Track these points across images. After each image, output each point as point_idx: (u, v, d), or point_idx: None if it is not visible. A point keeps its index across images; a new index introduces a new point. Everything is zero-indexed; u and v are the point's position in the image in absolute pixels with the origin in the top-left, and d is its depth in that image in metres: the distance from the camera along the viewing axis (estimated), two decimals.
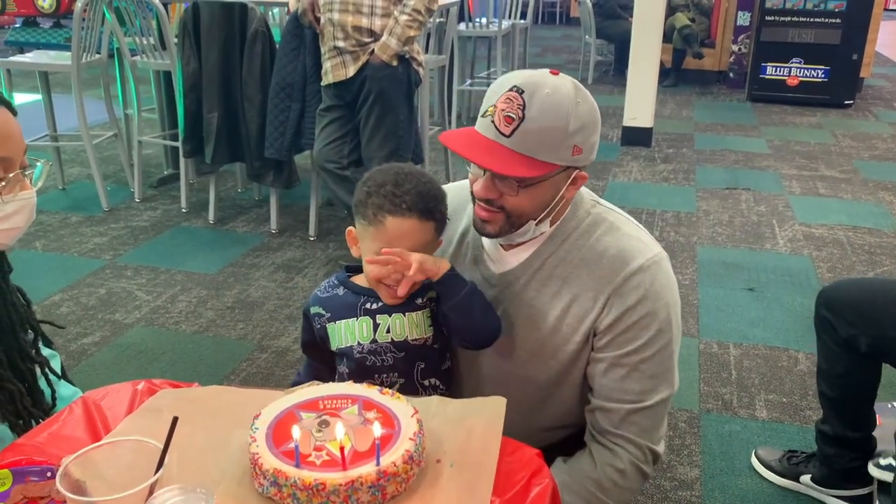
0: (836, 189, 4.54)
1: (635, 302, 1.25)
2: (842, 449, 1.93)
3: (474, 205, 1.28)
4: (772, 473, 2.09)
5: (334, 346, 1.33)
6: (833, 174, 4.83)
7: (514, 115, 1.17)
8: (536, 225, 1.27)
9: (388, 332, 1.29)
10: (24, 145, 1.19)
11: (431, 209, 1.27)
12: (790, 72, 6.69)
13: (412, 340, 1.29)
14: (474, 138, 1.21)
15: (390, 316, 1.30)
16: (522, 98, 1.17)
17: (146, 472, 0.85)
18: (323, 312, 1.35)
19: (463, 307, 1.25)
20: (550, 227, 1.30)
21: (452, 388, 1.37)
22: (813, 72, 6.63)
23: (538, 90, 1.17)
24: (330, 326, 1.34)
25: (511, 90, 1.18)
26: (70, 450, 1.01)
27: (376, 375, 1.30)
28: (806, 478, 2.03)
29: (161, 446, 0.86)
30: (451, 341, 1.33)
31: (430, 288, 1.32)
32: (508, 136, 1.17)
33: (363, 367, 1.30)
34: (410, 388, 1.30)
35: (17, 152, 1.17)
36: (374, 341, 1.29)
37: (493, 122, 1.19)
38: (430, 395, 1.30)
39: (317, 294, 1.38)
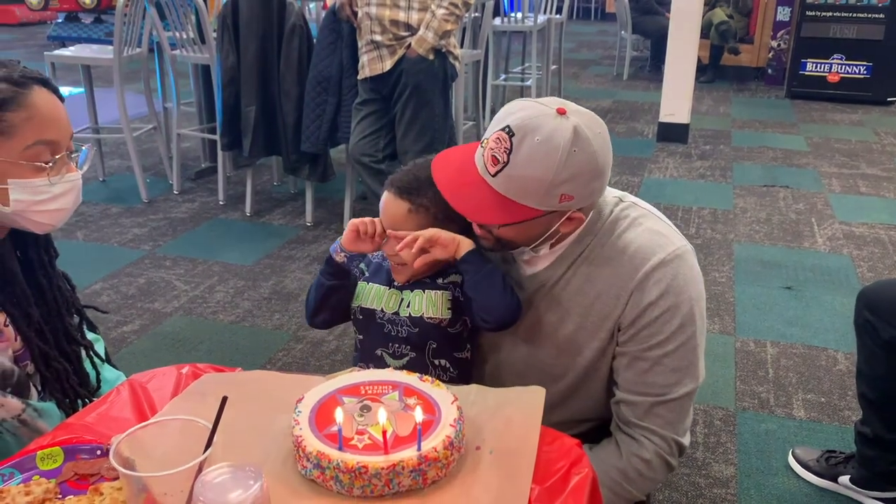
0: (877, 187, 4.46)
1: (657, 297, 1.24)
2: (882, 451, 1.90)
3: None
4: (809, 473, 2.07)
5: (358, 302, 1.39)
6: (875, 172, 4.74)
7: (499, 157, 1.15)
8: (532, 250, 1.29)
9: (408, 306, 1.34)
10: (70, 130, 1.22)
11: (410, 190, 1.31)
12: (831, 68, 6.57)
13: (427, 318, 1.33)
14: (463, 170, 1.21)
15: (412, 292, 1.35)
16: (511, 141, 1.13)
17: (193, 451, 0.87)
18: (365, 271, 1.43)
19: (484, 285, 1.27)
20: (563, 237, 1.29)
21: (467, 377, 1.39)
22: (855, 68, 6.50)
23: (528, 136, 1.13)
24: (361, 284, 1.40)
25: (503, 130, 1.15)
26: (118, 429, 1.03)
27: (390, 344, 1.35)
28: (844, 478, 2.00)
29: (209, 426, 0.88)
30: (474, 321, 1.33)
31: (453, 271, 1.35)
32: (493, 176, 1.17)
33: (381, 333, 1.36)
34: (420, 363, 1.34)
35: (64, 136, 1.20)
36: (395, 313, 1.35)
37: (482, 156, 1.19)
38: (439, 374, 1.34)
39: (370, 257, 1.44)
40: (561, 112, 1.15)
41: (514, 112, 1.17)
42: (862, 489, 1.97)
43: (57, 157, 1.19)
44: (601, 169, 1.18)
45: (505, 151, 1.14)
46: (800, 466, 2.09)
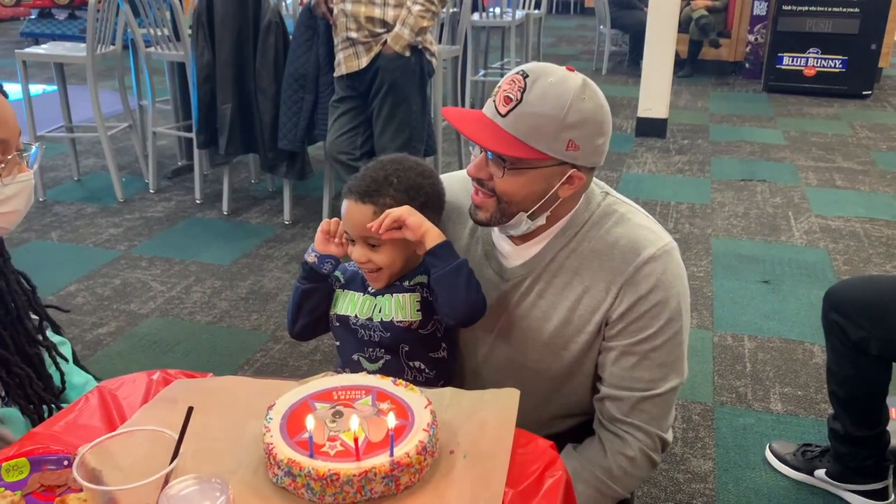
0: (853, 181, 4.50)
1: (647, 291, 1.25)
2: (854, 447, 1.91)
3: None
4: (786, 467, 2.08)
5: (334, 310, 1.39)
6: (850, 166, 4.78)
7: (512, 97, 1.19)
8: (529, 218, 1.26)
9: (380, 311, 1.34)
10: (18, 129, 1.19)
11: (370, 193, 1.31)
12: (807, 62, 6.63)
13: (397, 322, 1.32)
14: (474, 115, 1.24)
15: (383, 297, 1.35)
16: (525, 81, 1.18)
17: (162, 461, 0.85)
18: (341, 279, 1.42)
19: (447, 280, 1.26)
20: (549, 223, 1.29)
21: (446, 376, 1.38)
22: (830, 62, 6.56)
23: (542, 77, 1.18)
24: (338, 292, 1.40)
25: (517, 73, 1.20)
26: (86, 439, 1.01)
27: (365, 348, 1.35)
28: (820, 472, 2.02)
29: (176, 436, 0.86)
30: (439, 315, 1.32)
31: (420, 273, 1.35)
32: (504, 116, 1.19)
33: (356, 338, 1.36)
34: (396, 366, 1.34)
35: (12, 135, 1.17)
36: (369, 318, 1.34)
37: (493, 101, 1.22)
38: (415, 376, 1.34)
39: (346, 265, 1.44)
40: (570, 69, 1.23)
41: (527, 64, 1.23)
42: (837, 482, 1.99)
43: (8, 157, 1.16)
44: (606, 125, 1.23)
45: (519, 90, 1.18)
46: (777, 460, 2.11)
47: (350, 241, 1.34)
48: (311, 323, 1.41)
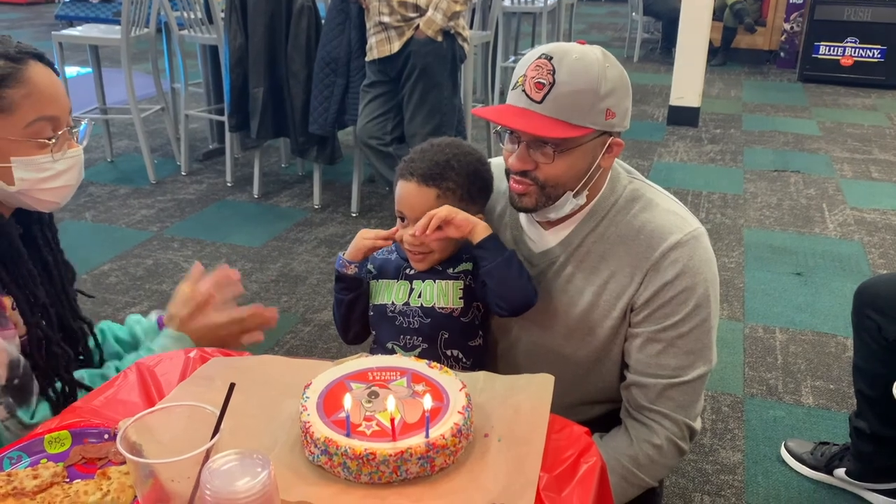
0: (890, 173, 4.41)
1: (673, 277, 1.24)
2: (879, 447, 1.87)
3: (509, 181, 1.28)
4: (804, 467, 2.04)
5: (372, 301, 1.40)
6: (887, 157, 4.69)
7: (544, 81, 1.18)
8: (574, 196, 1.26)
9: (419, 296, 1.33)
10: (69, 104, 1.21)
11: (434, 176, 1.30)
12: (844, 51, 6.49)
13: (439, 308, 1.32)
14: (507, 109, 1.23)
15: (423, 282, 1.34)
16: (551, 64, 1.18)
17: (200, 437, 0.86)
18: (372, 270, 1.42)
19: (500, 272, 1.26)
20: (587, 200, 1.29)
21: (481, 364, 1.38)
22: (868, 51, 6.42)
23: (566, 56, 1.18)
24: (373, 283, 1.40)
25: (540, 58, 1.19)
26: (125, 413, 1.03)
27: (402, 336, 1.34)
28: (840, 471, 1.97)
29: (216, 412, 0.87)
30: (489, 306, 1.32)
31: (464, 260, 1.34)
32: (540, 102, 1.18)
33: (392, 326, 1.35)
34: (432, 355, 1.33)
35: (64, 111, 1.19)
36: (406, 304, 1.34)
37: (523, 90, 1.20)
38: (451, 365, 1.33)
39: (374, 255, 1.43)
40: (581, 43, 1.24)
41: (541, 47, 1.22)
42: (859, 482, 1.95)
43: (59, 132, 1.17)
44: (630, 87, 1.24)
45: (549, 73, 1.18)
46: (793, 459, 2.07)
47: (401, 220, 1.34)
48: (363, 326, 1.43)
